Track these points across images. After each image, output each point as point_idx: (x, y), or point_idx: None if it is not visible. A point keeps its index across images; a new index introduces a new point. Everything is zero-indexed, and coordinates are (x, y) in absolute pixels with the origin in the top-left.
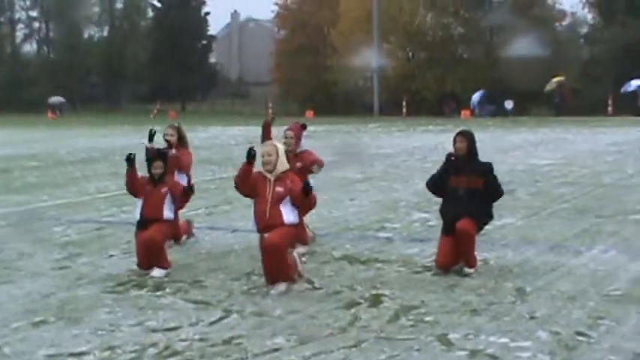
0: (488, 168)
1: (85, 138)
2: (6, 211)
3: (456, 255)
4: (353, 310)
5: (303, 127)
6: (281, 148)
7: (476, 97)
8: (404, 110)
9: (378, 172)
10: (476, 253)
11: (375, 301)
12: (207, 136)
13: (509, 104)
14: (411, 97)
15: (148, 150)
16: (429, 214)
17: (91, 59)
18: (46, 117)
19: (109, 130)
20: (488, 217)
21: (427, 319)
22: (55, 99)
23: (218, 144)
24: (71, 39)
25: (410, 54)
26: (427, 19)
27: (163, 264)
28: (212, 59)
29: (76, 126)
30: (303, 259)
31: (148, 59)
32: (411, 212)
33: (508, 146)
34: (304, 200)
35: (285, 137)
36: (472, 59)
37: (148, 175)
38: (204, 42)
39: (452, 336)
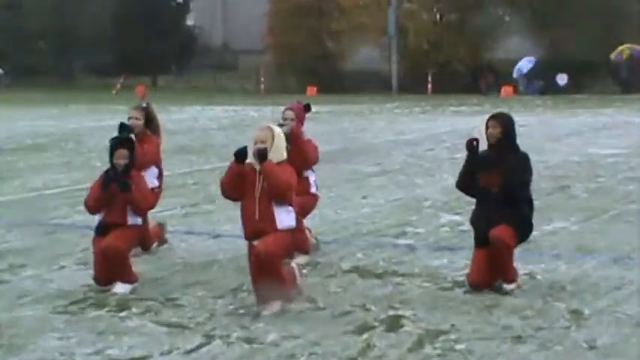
0: (521, 159)
1: (29, 120)
2: None
3: (493, 271)
4: (365, 336)
5: (307, 108)
6: (279, 133)
7: (523, 65)
8: (429, 86)
9: (397, 163)
10: (516, 264)
11: (393, 324)
12: (184, 118)
13: (562, 79)
14: (439, 69)
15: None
16: (460, 217)
17: (36, 20)
18: None
19: (59, 110)
20: (529, 226)
21: (458, 347)
22: None
23: (197, 128)
24: None
25: (437, 15)
26: None
27: (128, 278)
28: (189, 21)
29: (17, 104)
30: (304, 271)
31: (108, 21)
32: (438, 214)
33: (561, 132)
34: (303, 198)
35: (284, 118)
36: (516, 22)
37: (108, 169)
38: (180, 0)
39: None
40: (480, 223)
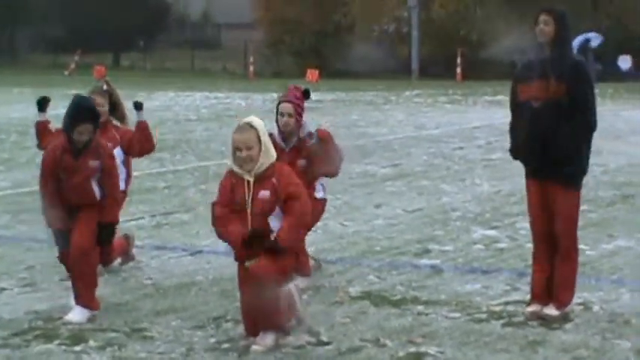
0: (580, 65)
1: None
2: None
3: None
4: None
5: (305, 94)
6: (262, 130)
7: (592, 37)
8: (458, 71)
9: (418, 165)
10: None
11: None
12: (154, 107)
13: (625, 62)
14: (470, 50)
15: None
16: (497, 232)
17: None
18: None
19: None
20: (584, 159)
21: None
22: None
23: (170, 119)
24: None
25: None
26: None
27: (88, 301)
28: None
29: None
30: (304, 296)
31: None
32: (469, 228)
33: (624, 127)
34: (302, 207)
35: (281, 114)
36: None
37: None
38: None
39: None
40: (523, 149)
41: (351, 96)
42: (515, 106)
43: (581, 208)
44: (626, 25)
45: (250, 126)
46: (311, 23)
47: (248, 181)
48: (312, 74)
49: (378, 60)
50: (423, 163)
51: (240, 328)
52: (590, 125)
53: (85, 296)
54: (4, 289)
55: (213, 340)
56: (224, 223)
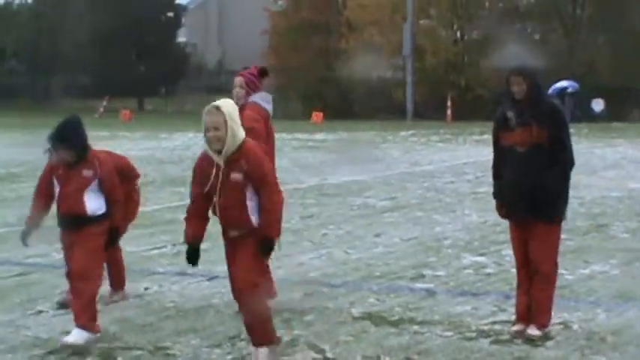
0: (556, 110)
1: (1, 146)
2: None
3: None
4: None
5: (262, 72)
6: (231, 111)
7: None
8: (449, 113)
9: (414, 198)
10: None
11: None
12: (175, 146)
13: (598, 105)
14: (460, 94)
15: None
16: (485, 258)
17: (10, 36)
18: None
19: (34, 135)
20: (566, 194)
21: None
22: None
23: (189, 157)
24: None
25: (458, 33)
26: None
27: (86, 322)
28: (181, 38)
29: None
30: (308, 317)
31: (90, 38)
32: (460, 255)
33: (598, 164)
34: (274, 196)
35: (234, 86)
36: (546, 41)
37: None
38: (171, 14)
39: None
40: (508, 188)
41: (352, 135)
42: (499, 151)
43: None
44: (599, 72)
45: (217, 109)
46: (315, 71)
47: (218, 164)
48: (316, 116)
49: (376, 103)
50: (417, 196)
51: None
52: (570, 163)
53: (82, 318)
54: (41, 311)
55: (229, 357)
56: (187, 220)
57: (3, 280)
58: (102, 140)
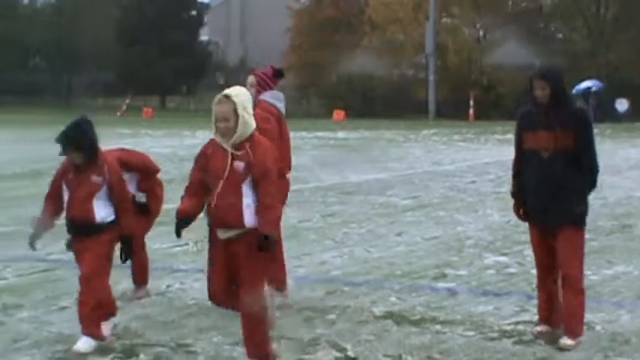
0: (581, 114)
1: (23, 144)
2: None
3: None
4: None
5: (278, 73)
6: (243, 100)
7: (592, 83)
8: (471, 112)
9: (436, 197)
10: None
11: None
12: (197, 144)
13: (621, 105)
14: (483, 93)
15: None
16: (507, 258)
17: (32, 33)
18: None
19: (55, 132)
20: (587, 200)
21: None
22: None
23: None
24: (5, 4)
25: (481, 32)
26: None
27: (92, 330)
28: (204, 36)
29: (9, 126)
30: (332, 315)
31: (113, 36)
32: (482, 254)
33: (622, 164)
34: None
35: (247, 84)
36: (569, 40)
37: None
38: (193, 13)
39: None
40: (530, 193)
41: (373, 134)
42: (522, 153)
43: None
44: (623, 72)
45: (227, 98)
46: (337, 69)
47: (227, 151)
48: (338, 114)
49: (398, 102)
50: (439, 196)
51: (277, 345)
52: (596, 169)
53: (89, 326)
54: (64, 307)
55: None
56: (182, 199)
57: (27, 276)
58: (124, 138)
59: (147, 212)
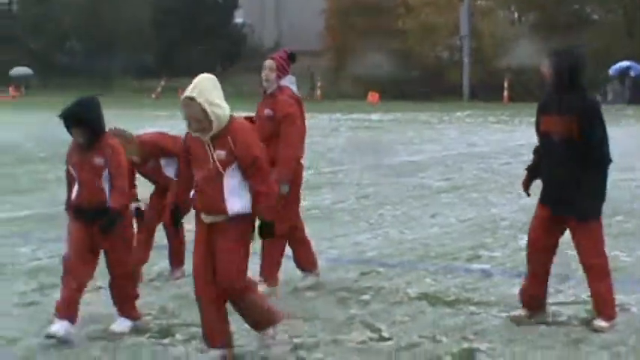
0: (588, 100)
1: (59, 126)
2: None
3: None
4: None
5: (291, 57)
6: (207, 96)
7: (617, 69)
8: (505, 94)
9: (470, 178)
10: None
11: (467, 358)
12: None
13: None
14: (516, 75)
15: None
16: None
17: (68, 17)
18: (7, 94)
19: None
20: (599, 190)
21: None
22: (19, 70)
23: None
24: None
25: (515, 15)
26: None
27: (128, 312)
28: (238, 19)
29: (47, 108)
30: (366, 296)
31: (148, 19)
32: (516, 235)
33: None
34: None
35: (263, 68)
36: (605, 22)
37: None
38: None
39: None
40: (546, 180)
41: (407, 116)
42: (540, 135)
43: (617, 218)
44: None
45: (191, 100)
46: (371, 51)
47: (207, 142)
48: (372, 96)
49: (432, 84)
50: (473, 177)
51: (312, 326)
52: (605, 160)
53: (124, 309)
54: (100, 287)
55: (285, 335)
56: (177, 188)
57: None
58: (160, 120)
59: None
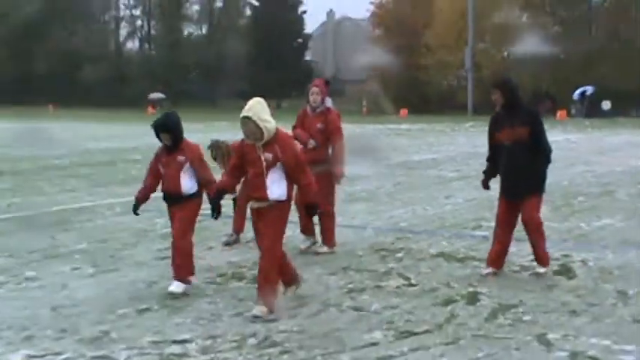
0: (533, 114)
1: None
2: (111, 202)
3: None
4: (450, 307)
5: (327, 83)
6: (258, 113)
7: (587, 89)
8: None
9: (474, 170)
10: (554, 251)
11: (472, 298)
12: None
13: (606, 105)
14: None
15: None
16: None
17: (190, 56)
18: (146, 112)
19: (205, 125)
20: (543, 176)
21: (525, 318)
22: (155, 95)
23: None
24: (172, 37)
25: (506, 53)
26: (523, 19)
27: (184, 276)
28: (307, 57)
29: None
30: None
31: (245, 57)
32: None
33: (607, 147)
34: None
35: (311, 93)
36: (569, 59)
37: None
38: (300, 40)
39: (551, 336)
40: (503, 175)
41: (429, 126)
42: (493, 146)
43: (579, 199)
44: (608, 83)
45: (248, 119)
46: (403, 80)
47: (259, 147)
48: (403, 112)
49: (446, 103)
50: (476, 169)
51: (361, 275)
52: (549, 149)
53: (180, 273)
54: (211, 247)
55: (342, 282)
56: (225, 175)
57: None
58: None
59: None
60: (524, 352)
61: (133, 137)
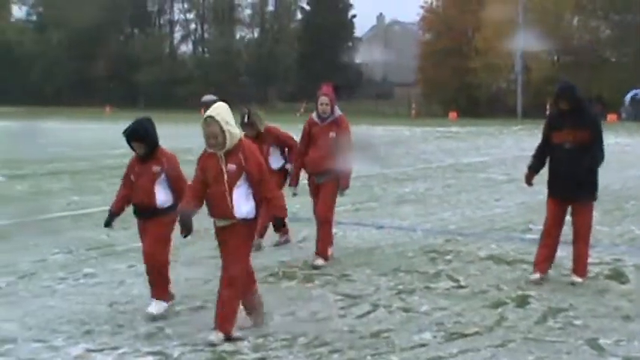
0: (594, 118)
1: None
2: None
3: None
4: (499, 310)
5: (337, 89)
6: (224, 117)
7: (630, 95)
8: (547, 113)
9: (522, 173)
10: (590, 258)
11: (522, 301)
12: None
13: None
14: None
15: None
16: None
17: (242, 60)
18: (200, 114)
19: None
20: (597, 180)
21: (576, 322)
22: (208, 97)
23: (363, 142)
24: (224, 40)
25: (555, 57)
26: (574, 22)
27: (160, 295)
28: (357, 60)
29: None
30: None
31: (295, 60)
32: None
33: None
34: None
35: (320, 104)
36: (620, 62)
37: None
38: (350, 44)
39: (602, 341)
40: (557, 173)
41: (478, 129)
42: (547, 145)
43: (631, 202)
44: None
45: (212, 119)
46: (452, 83)
47: (221, 156)
48: (452, 115)
49: (495, 106)
50: (525, 172)
51: (411, 277)
52: (602, 157)
53: (157, 292)
54: (263, 247)
55: (392, 283)
56: (187, 193)
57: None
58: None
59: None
60: (575, 357)
61: (186, 138)
